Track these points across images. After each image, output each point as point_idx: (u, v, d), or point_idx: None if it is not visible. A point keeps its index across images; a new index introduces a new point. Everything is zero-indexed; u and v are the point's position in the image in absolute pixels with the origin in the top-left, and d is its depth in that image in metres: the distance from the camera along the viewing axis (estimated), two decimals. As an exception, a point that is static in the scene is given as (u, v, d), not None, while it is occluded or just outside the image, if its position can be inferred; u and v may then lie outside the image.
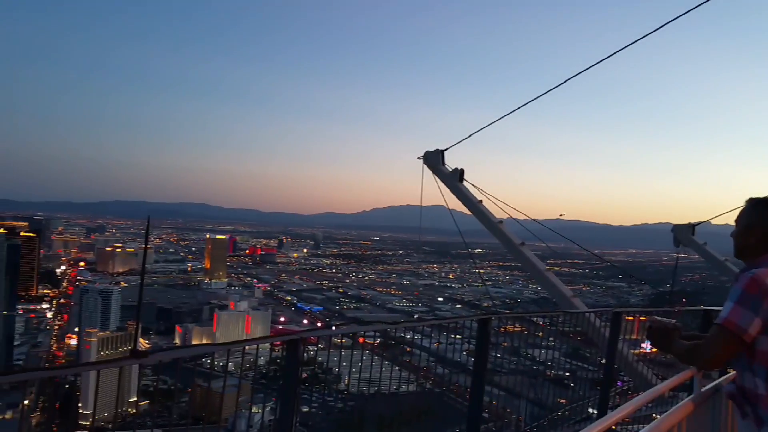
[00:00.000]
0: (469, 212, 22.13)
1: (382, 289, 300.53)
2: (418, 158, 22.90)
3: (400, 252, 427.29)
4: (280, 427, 8.05)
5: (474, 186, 22.11)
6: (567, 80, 18.96)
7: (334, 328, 12.18)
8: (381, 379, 11.97)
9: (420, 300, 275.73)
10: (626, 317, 15.17)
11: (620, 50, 17.03)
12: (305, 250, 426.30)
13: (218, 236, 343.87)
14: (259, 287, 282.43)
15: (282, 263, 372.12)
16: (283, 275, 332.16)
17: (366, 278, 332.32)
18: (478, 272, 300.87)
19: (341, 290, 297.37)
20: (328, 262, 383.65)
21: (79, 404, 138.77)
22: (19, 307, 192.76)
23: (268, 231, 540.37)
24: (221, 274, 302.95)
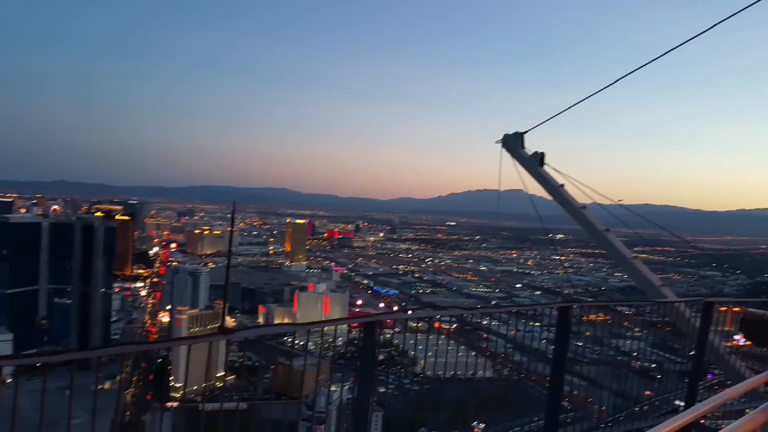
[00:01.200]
0: (549, 197, 21.58)
1: (459, 275, 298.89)
2: (497, 142, 22.48)
3: (477, 237, 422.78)
4: (357, 405, 8.27)
5: (555, 170, 21.51)
6: (659, 57, 18.10)
7: (410, 312, 12.26)
8: (457, 363, 12.01)
9: (497, 286, 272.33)
10: (719, 308, 14.47)
11: (718, 24, 16.06)
12: (381, 235, 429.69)
13: (298, 220, 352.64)
14: (336, 270, 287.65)
15: (359, 247, 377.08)
16: (360, 259, 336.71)
17: (442, 263, 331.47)
18: (559, 259, 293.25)
19: (417, 275, 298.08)
20: (404, 246, 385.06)
21: (171, 377, 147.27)
22: (116, 285, 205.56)
23: (345, 216, 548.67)
24: (301, 257, 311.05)
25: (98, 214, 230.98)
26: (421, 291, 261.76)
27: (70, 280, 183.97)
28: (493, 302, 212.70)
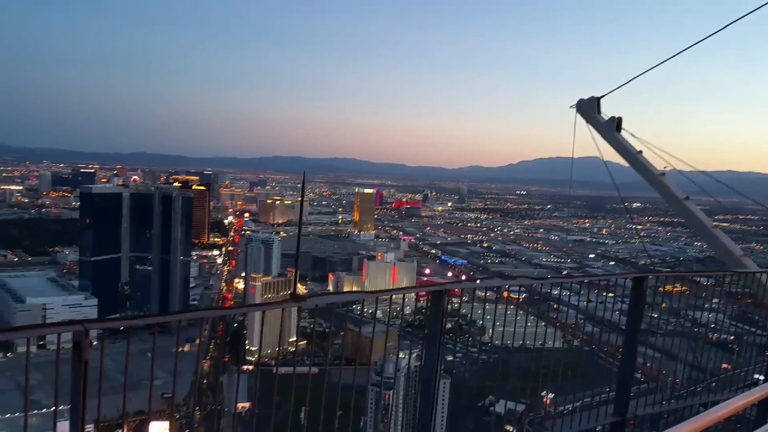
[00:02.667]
0: (626, 164, 20.73)
1: (529, 245, 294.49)
2: (571, 107, 21.69)
3: (549, 206, 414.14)
4: (425, 373, 8.33)
5: (632, 135, 20.60)
6: (743, 16, 16.89)
7: (478, 281, 12.18)
8: (526, 333, 11.85)
9: (569, 256, 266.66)
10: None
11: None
12: (450, 204, 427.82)
13: (366, 190, 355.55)
14: (404, 239, 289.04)
15: (427, 217, 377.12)
16: (428, 228, 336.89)
17: (511, 233, 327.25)
18: (635, 228, 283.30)
19: (486, 244, 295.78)
20: (472, 216, 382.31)
21: (246, 341, 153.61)
22: (194, 253, 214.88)
23: (413, 185, 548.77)
24: (369, 226, 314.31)
25: (176, 184, 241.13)
26: (489, 261, 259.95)
27: (150, 248, 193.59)
28: (564, 272, 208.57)
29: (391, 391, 76.20)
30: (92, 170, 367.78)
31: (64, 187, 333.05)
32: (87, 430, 5.61)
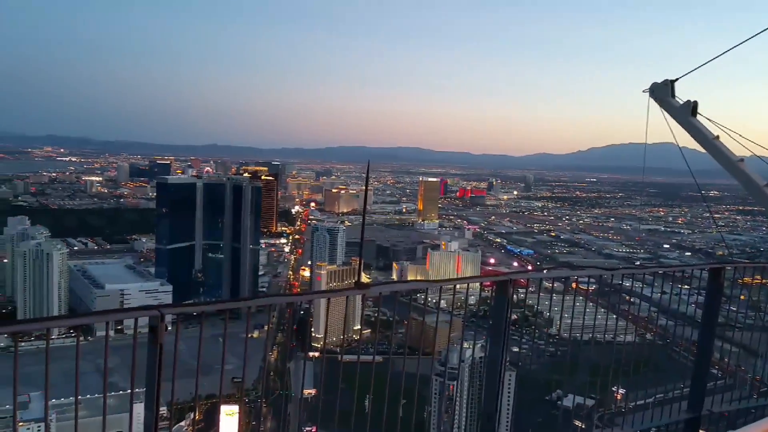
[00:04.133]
0: (702, 149, 19.73)
1: (599, 234, 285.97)
2: (644, 91, 20.77)
3: (620, 194, 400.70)
4: (490, 364, 8.24)
5: (709, 120, 19.55)
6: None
7: (545, 271, 11.92)
8: (595, 326, 11.51)
9: (642, 246, 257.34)
10: None
11: None
12: (515, 193, 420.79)
13: (430, 179, 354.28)
14: (469, 229, 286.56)
15: (492, 205, 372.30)
16: (493, 217, 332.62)
17: (581, 222, 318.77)
18: (712, 217, 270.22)
19: (553, 234, 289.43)
20: (539, 204, 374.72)
21: (312, 329, 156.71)
22: (262, 241, 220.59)
23: (478, 173, 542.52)
24: (433, 215, 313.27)
25: (246, 174, 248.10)
26: (557, 250, 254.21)
27: (221, 236, 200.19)
28: (637, 263, 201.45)
29: (455, 382, 75.84)
30: (168, 162, 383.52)
31: (142, 178, 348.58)
32: (160, 412, 5.86)
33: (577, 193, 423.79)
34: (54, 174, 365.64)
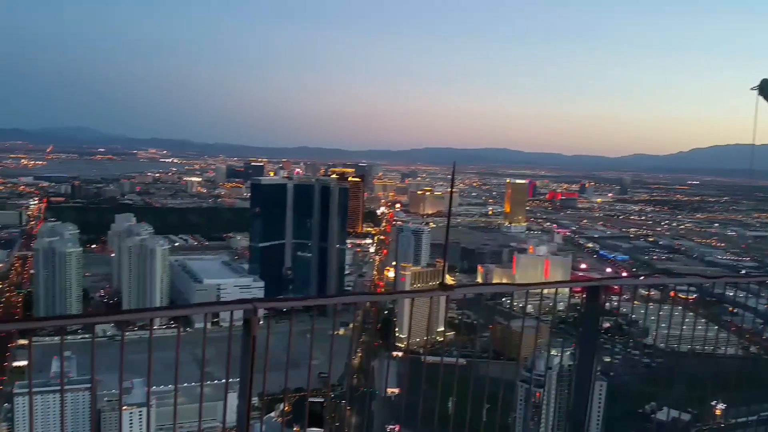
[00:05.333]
0: (819, 151, 18.22)
1: (701, 240, 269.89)
2: (752, 88, 19.48)
3: (725, 198, 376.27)
4: (579, 372, 7.99)
5: (827, 119, 18.02)
6: None
7: (641, 278, 11.39)
8: (694, 337, 10.91)
9: (748, 253, 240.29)
10: None
11: None
12: (610, 195, 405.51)
13: (518, 181, 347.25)
14: (558, 232, 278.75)
15: (584, 208, 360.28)
16: (585, 221, 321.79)
17: (681, 227, 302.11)
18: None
19: (651, 239, 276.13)
20: (636, 208, 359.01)
21: (396, 328, 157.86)
22: (348, 242, 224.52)
23: (569, 175, 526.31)
24: (520, 218, 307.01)
25: (334, 176, 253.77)
26: (654, 257, 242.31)
27: (310, 235, 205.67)
28: (742, 271, 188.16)
29: (542, 389, 73.90)
30: (261, 164, 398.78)
31: (237, 179, 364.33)
32: (252, 402, 6.12)
33: (678, 196, 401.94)
34: (157, 174, 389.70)
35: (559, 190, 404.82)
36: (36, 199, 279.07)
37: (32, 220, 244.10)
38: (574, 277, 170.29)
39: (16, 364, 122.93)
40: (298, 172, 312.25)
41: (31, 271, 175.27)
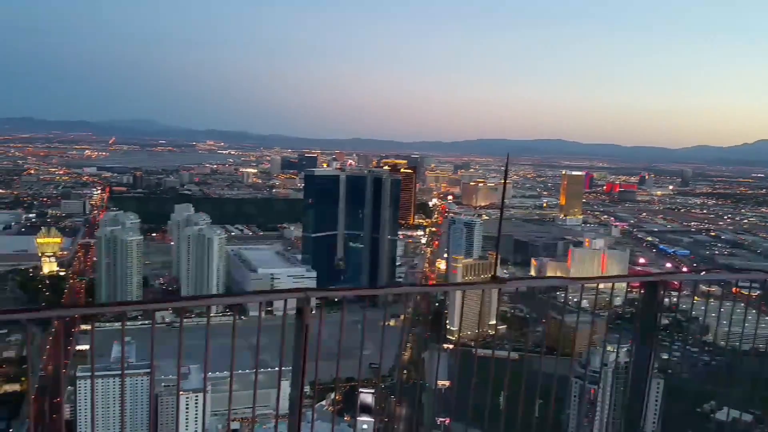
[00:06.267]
0: None
1: (765, 235, 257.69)
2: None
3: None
4: (635, 370, 7.78)
5: None
6: None
7: (702, 273, 10.99)
8: (757, 336, 10.44)
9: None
10: None
11: None
12: (671, 188, 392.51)
13: (574, 172, 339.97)
14: (616, 226, 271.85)
15: (643, 201, 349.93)
16: (644, 214, 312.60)
17: (745, 221, 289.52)
18: None
19: (713, 233, 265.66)
20: (698, 201, 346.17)
21: (447, 321, 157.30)
22: (400, 233, 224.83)
23: (628, 167, 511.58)
24: (576, 210, 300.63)
25: (386, 167, 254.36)
26: (717, 252, 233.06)
27: (362, 226, 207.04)
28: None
29: (597, 386, 72.29)
30: (315, 155, 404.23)
31: (291, 170, 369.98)
32: (304, 390, 6.23)
33: (742, 189, 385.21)
34: (215, 166, 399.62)
35: (617, 182, 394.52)
36: (99, 188, 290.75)
37: (95, 209, 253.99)
38: (631, 272, 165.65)
39: (78, 348, 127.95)
40: (350, 164, 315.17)
41: (94, 259, 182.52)
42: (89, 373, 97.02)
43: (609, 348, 62.17)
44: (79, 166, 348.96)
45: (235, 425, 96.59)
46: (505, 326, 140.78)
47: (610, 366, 71.51)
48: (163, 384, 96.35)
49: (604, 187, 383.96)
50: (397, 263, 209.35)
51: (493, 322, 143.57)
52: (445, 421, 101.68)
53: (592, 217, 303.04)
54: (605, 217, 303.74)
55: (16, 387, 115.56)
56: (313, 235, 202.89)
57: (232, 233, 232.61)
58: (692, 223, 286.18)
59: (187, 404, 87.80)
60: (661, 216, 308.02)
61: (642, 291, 7.72)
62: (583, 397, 78.02)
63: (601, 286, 8.15)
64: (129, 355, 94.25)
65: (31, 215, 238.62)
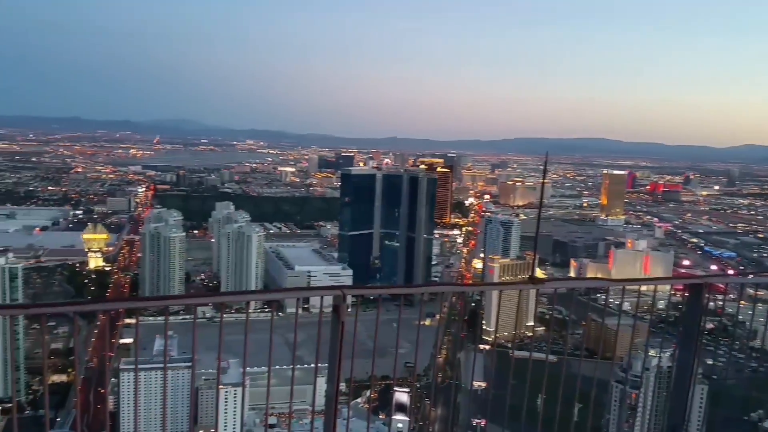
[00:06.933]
0: None
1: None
2: None
3: None
4: (678, 374, 7.57)
5: None
6: None
7: (750, 276, 10.63)
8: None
9: None
10: None
11: None
12: (716, 188, 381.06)
13: (616, 172, 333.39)
14: (659, 227, 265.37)
15: (687, 202, 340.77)
16: (689, 215, 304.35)
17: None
18: None
19: (761, 235, 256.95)
20: (745, 202, 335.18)
21: (483, 321, 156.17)
22: (436, 232, 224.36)
23: (672, 166, 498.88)
24: (618, 211, 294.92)
25: (422, 166, 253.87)
26: (764, 254, 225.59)
27: (398, 225, 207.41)
28: None
29: (638, 391, 70.69)
30: (351, 154, 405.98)
31: (328, 169, 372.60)
32: (339, 387, 6.26)
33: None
34: (254, 165, 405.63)
35: (660, 182, 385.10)
36: (144, 187, 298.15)
37: (140, 207, 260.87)
38: (675, 274, 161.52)
39: (122, 341, 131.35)
40: (387, 163, 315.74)
41: (138, 255, 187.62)
42: (133, 366, 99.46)
43: (651, 352, 60.82)
44: (124, 165, 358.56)
45: (272, 420, 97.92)
46: (543, 328, 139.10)
47: (652, 370, 69.92)
48: (203, 377, 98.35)
49: (648, 187, 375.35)
50: (433, 262, 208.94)
51: (531, 323, 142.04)
52: (481, 422, 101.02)
53: (635, 217, 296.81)
54: (648, 217, 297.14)
55: (63, 378, 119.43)
56: (350, 233, 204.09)
57: (271, 231, 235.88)
58: (739, 225, 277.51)
59: (226, 398, 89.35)
60: (706, 217, 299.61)
61: (686, 294, 7.51)
62: (623, 401, 76.47)
63: (644, 288, 7.96)
64: (171, 348, 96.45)
65: (78, 212, 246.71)
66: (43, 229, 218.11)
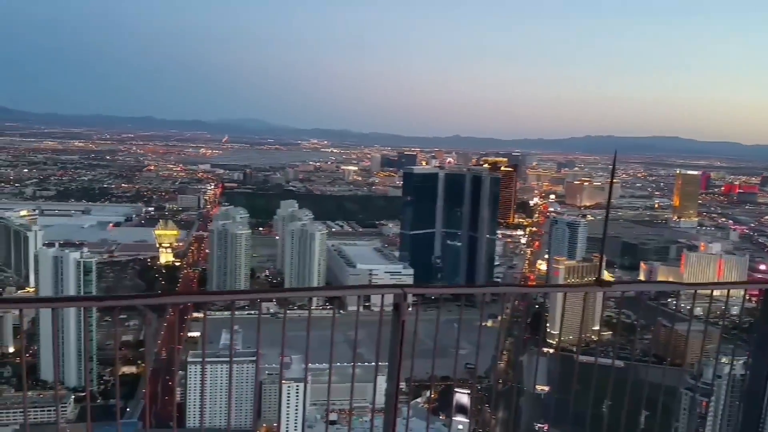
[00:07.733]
0: None
1: None
2: None
3: None
4: (751, 383, 7.25)
5: None
6: None
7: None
8: None
9: None
10: None
11: None
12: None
13: (690, 172, 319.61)
14: (735, 229, 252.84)
15: (765, 204, 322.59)
16: (766, 218, 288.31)
17: None
18: None
19: None
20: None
21: (547, 324, 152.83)
22: (499, 232, 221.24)
23: (749, 167, 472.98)
24: (691, 212, 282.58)
25: (485, 165, 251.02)
26: None
27: (460, 225, 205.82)
28: None
29: (709, 399, 67.60)
30: (414, 153, 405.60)
31: (391, 168, 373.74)
32: (399, 386, 6.32)
33: None
34: (318, 163, 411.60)
35: (736, 183, 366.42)
36: (212, 184, 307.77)
37: (209, 204, 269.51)
38: (750, 279, 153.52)
39: (190, 334, 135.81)
40: (449, 162, 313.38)
41: (207, 251, 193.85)
42: (200, 359, 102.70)
43: (723, 359, 57.97)
44: (194, 163, 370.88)
45: (332, 416, 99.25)
46: (609, 332, 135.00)
47: (724, 378, 66.63)
48: (266, 372, 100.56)
49: (723, 188, 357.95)
50: (496, 263, 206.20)
51: (597, 327, 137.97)
52: (543, 427, 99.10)
53: (709, 219, 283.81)
54: (723, 219, 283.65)
55: (133, 369, 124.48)
56: (411, 232, 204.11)
57: (333, 229, 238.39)
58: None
59: (288, 393, 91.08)
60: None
61: (761, 299, 7.18)
62: (693, 410, 73.29)
63: (716, 293, 7.66)
64: (236, 342, 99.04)
65: (150, 209, 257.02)
66: (117, 224, 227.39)
